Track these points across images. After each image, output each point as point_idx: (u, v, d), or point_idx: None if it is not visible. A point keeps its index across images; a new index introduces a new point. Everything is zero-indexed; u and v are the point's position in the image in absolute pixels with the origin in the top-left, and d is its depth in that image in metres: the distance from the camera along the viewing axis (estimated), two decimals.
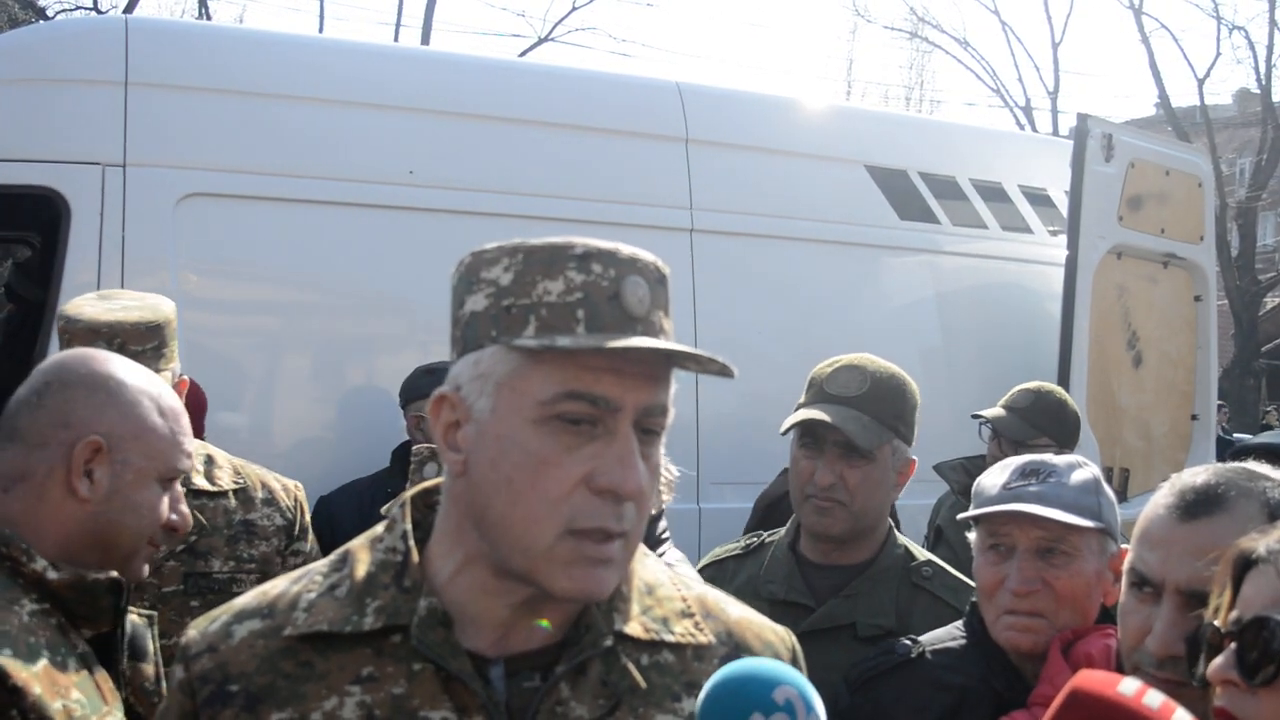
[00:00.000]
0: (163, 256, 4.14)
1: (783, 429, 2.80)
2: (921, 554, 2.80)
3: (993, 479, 2.31)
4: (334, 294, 4.55)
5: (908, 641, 2.42)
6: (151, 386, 1.96)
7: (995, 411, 4.34)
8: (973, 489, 2.37)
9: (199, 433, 3.90)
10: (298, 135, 4.38)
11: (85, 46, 4.25)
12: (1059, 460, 2.29)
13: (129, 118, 4.13)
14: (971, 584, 2.73)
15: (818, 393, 2.76)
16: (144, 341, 2.86)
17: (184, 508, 1.98)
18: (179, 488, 1.98)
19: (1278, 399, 26.63)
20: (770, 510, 3.98)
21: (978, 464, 4.32)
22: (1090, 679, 1.25)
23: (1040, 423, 4.21)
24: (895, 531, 2.82)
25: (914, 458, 2.77)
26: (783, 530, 2.88)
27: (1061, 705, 1.23)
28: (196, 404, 3.83)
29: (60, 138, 4.10)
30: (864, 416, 2.67)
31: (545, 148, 4.71)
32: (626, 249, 1.38)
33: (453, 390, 1.40)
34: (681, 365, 1.38)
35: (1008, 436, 4.27)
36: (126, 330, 2.84)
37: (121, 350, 2.82)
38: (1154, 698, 1.21)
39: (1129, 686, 1.23)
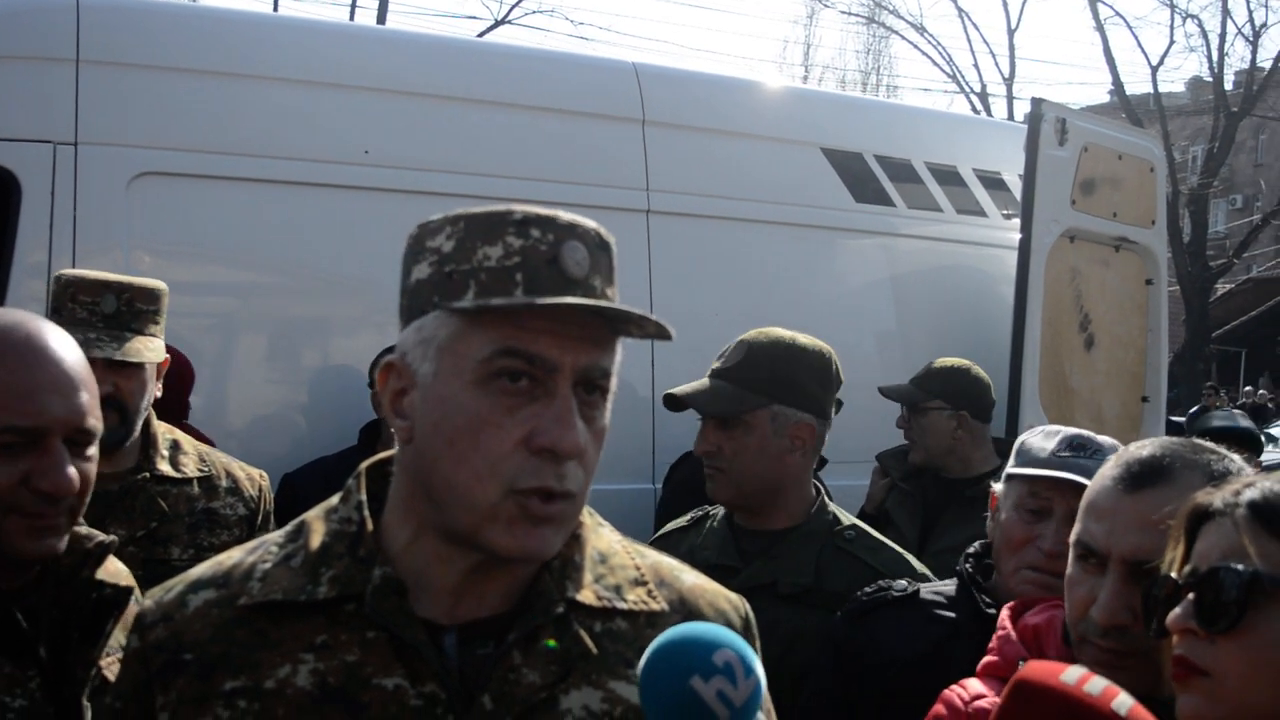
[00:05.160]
0: (116, 236, 4.09)
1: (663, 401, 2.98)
2: (848, 519, 2.90)
3: (1039, 442, 2.38)
4: (290, 274, 4.52)
5: (904, 582, 2.54)
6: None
7: (895, 382, 4.57)
8: (1016, 447, 2.43)
9: (184, 406, 3.90)
10: (252, 114, 4.33)
11: (36, 23, 4.18)
12: (1104, 440, 2.36)
13: (80, 95, 4.07)
14: (893, 546, 2.88)
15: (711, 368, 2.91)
16: (150, 303, 2.91)
17: (56, 471, 1.69)
18: (53, 445, 1.70)
19: (1229, 384, 26.96)
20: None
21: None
22: (1035, 670, 1.29)
23: (931, 387, 4.42)
24: (826, 499, 2.91)
25: (808, 420, 2.83)
26: None
27: (1008, 696, 1.27)
28: (181, 378, 3.84)
29: (10, 115, 4.03)
30: (726, 386, 2.80)
31: (501, 128, 4.69)
32: (566, 215, 1.40)
33: (399, 358, 1.42)
34: (623, 330, 1.40)
35: (898, 400, 4.52)
36: (136, 289, 2.89)
37: (130, 306, 2.87)
38: (1095, 684, 1.25)
39: (1071, 675, 1.26)
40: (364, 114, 4.49)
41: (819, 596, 2.71)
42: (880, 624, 2.46)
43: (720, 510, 2.95)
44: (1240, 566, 1.35)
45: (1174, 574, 1.44)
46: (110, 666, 1.84)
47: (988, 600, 2.36)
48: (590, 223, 1.42)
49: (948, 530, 4.25)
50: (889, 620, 2.46)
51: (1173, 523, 1.47)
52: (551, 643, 1.42)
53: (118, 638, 1.87)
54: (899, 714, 2.06)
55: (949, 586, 2.49)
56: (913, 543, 4.27)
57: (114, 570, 1.93)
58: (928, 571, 2.84)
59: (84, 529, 1.84)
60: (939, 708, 1.99)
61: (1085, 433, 2.38)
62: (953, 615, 2.40)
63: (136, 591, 2.00)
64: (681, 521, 3.05)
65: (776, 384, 2.79)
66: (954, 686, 2.02)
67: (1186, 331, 27.29)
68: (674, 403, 2.91)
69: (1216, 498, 1.43)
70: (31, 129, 4.04)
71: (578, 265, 1.37)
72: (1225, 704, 1.34)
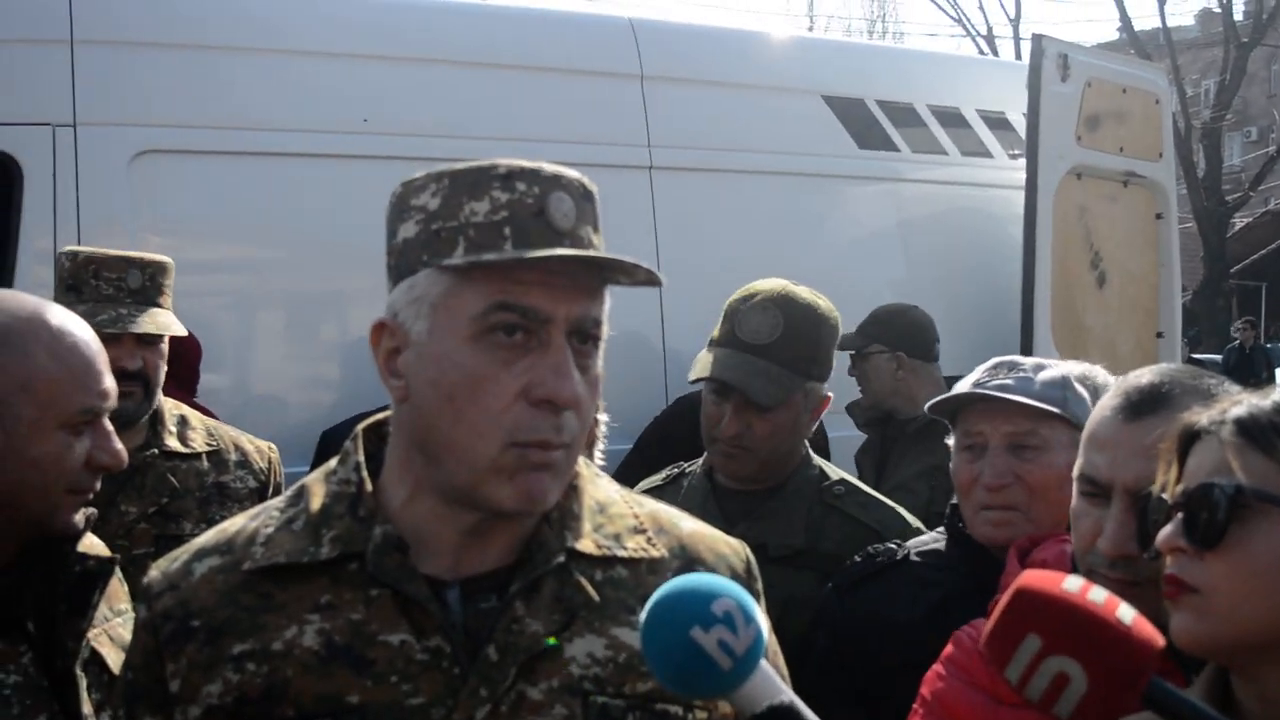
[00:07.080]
0: (119, 217, 4.10)
1: (690, 378, 2.79)
2: (835, 474, 2.81)
3: (967, 379, 2.36)
4: (295, 247, 4.53)
5: (892, 546, 2.49)
6: (44, 325, 1.75)
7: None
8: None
9: (194, 384, 3.92)
10: (250, 87, 4.33)
11: (28, 6, 4.17)
12: (1026, 360, 2.34)
13: (76, 76, 4.07)
14: (882, 499, 2.81)
15: (728, 335, 2.73)
16: (167, 277, 2.95)
17: (113, 444, 1.80)
18: (105, 424, 1.79)
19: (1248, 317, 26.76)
20: (662, 444, 4.06)
21: None
22: (1036, 577, 1.28)
23: (870, 331, 4.46)
24: (810, 454, 2.82)
25: (829, 394, 2.77)
26: (700, 460, 2.88)
27: (1008, 603, 1.25)
28: (190, 355, 3.86)
29: (7, 100, 4.03)
30: (772, 368, 2.65)
31: (499, 91, 4.68)
32: (550, 167, 1.40)
33: (390, 317, 1.43)
34: (613, 279, 1.40)
35: (842, 348, 4.49)
36: (156, 263, 2.93)
37: (153, 280, 2.89)
38: (1099, 594, 1.24)
39: (1073, 583, 1.25)
40: (361, 82, 4.48)
41: (811, 558, 2.64)
42: (873, 594, 2.41)
43: (695, 468, 2.86)
44: (1225, 482, 1.35)
45: (1167, 496, 1.44)
46: (99, 638, 1.87)
47: (980, 551, 2.31)
48: (573, 173, 1.43)
49: (896, 469, 4.28)
50: (881, 589, 2.41)
51: (1163, 446, 1.47)
52: (553, 642, 1.42)
53: (103, 610, 1.89)
54: (907, 680, 2.05)
55: (937, 543, 2.45)
56: (873, 486, 4.29)
57: (91, 543, 1.95)
58: (919, 524, 2.75)
59: None
60: (949, 648, 2.00)
61: (1010, 357, 2.36)
62: (946, 577, 2.36)
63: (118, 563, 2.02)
64: (656, 480, 2.93)
65: (816, 364, 2.71)
66: (965, 627, 2.02)
67: (1204, 268, 27.12)
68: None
69: (1204, 417, 1.43)
70: (30, 112, 4.04)
71: (564, 216, 1.38)
72: (1215, 619, 1.34)
